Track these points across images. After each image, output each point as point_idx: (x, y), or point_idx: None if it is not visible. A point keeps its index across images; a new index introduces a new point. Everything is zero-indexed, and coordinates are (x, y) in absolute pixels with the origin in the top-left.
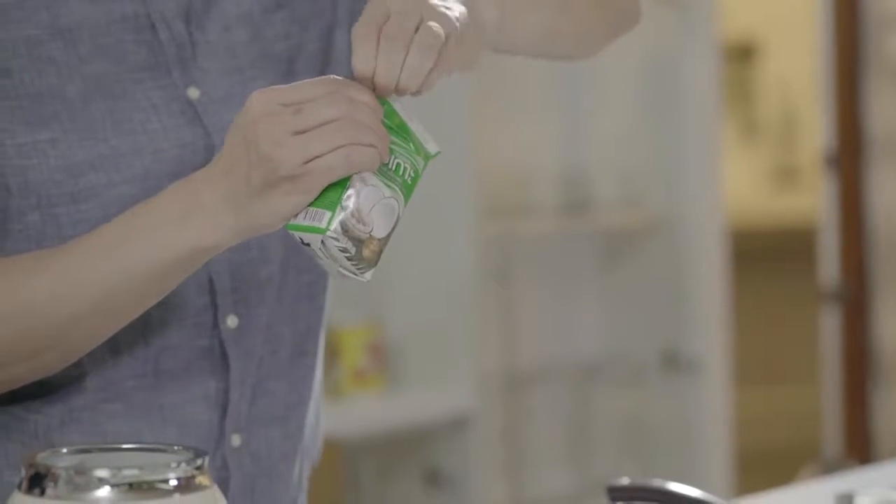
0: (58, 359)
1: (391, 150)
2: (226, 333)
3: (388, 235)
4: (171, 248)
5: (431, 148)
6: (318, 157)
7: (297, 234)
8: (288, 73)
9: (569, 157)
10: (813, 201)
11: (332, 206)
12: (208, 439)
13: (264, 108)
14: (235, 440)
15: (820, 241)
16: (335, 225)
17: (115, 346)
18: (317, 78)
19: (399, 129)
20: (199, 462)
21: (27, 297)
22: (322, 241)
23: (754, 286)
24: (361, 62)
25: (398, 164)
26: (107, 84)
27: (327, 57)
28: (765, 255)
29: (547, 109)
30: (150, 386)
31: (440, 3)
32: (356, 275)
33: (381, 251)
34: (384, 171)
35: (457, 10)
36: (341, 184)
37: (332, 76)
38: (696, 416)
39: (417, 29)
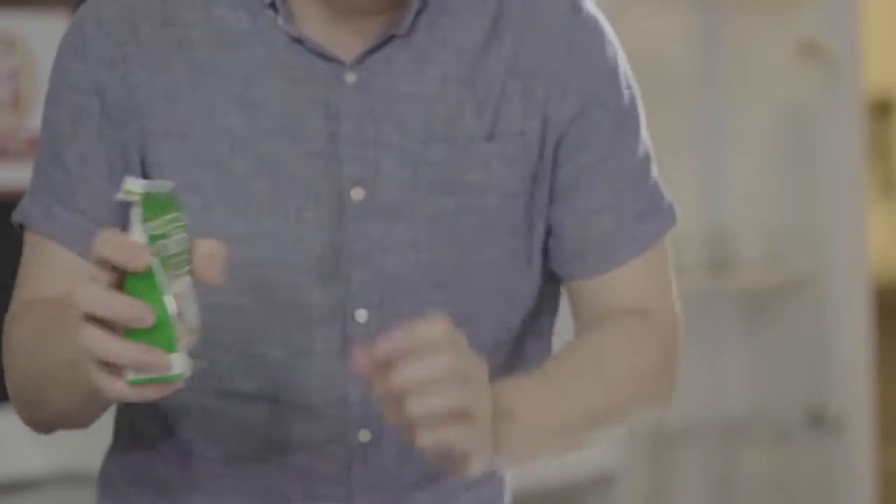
0: (50, 412)
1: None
2: (356, 446)
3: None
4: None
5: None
6: None
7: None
8: (469, 207)
9: (712, 215)
10: None
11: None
12: None
13: None
14: None
15: None
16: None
17: (241, 424)
18: None
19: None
20: None
21: (12, 339)
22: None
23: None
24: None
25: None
26: (275, 163)
27: (528, 202)
28: None
29: (688, 167)
30: (273, 473)
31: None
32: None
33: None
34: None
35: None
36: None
37: None
38: (842, 474)
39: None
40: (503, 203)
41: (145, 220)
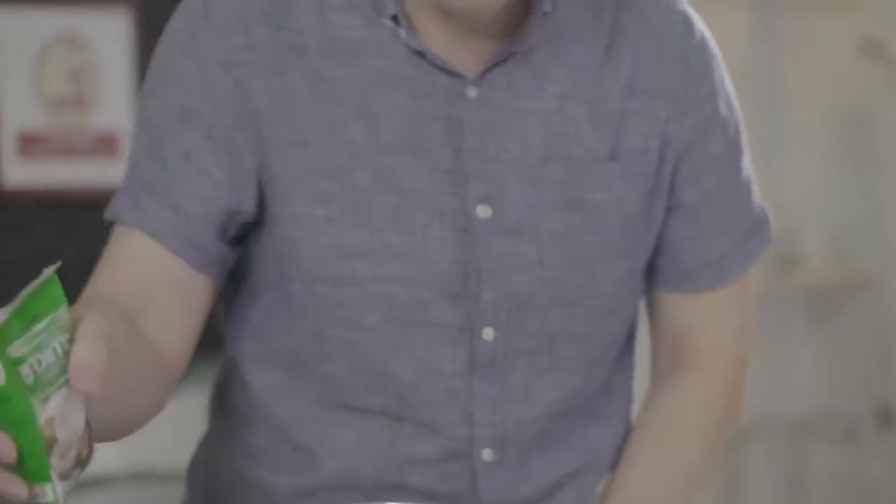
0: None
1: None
2: (479, 465)
3: (76, 417)
4: None
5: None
6: None
7: None
8: (592, 226)
9: (774, 215)
10: None
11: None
12: None
13: None
14: None
15: None
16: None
17: (363, 439)
18: None
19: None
20: None
21: None
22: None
23: None
24: None
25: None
26: (399, 177)
27: (646, 219)
28: None
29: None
30: (394, 490)
31: None
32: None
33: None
34: (35, 416)
35: None
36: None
37: None
38: None
39: None
40: (624, 222)
41: (10, 340)
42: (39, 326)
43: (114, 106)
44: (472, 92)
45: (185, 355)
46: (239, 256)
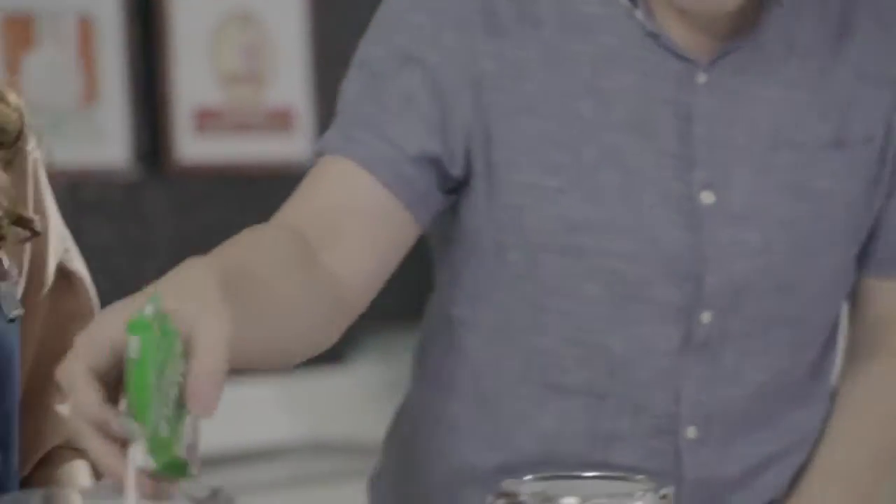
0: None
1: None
2: (683, 443)
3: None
4: None
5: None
6: None
7: None
8: (817, 214)
9: None
10: None
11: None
12: None
13: None
14: None
15: None
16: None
17: (562, 418)
18: None
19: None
20: (664, 492)
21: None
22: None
23: None
24: None
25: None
26: (625, 156)
27: (866, 207)
28: None
29: None
30: (596, 467)
31: None
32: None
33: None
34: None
35: None
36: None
37: None
38: None
39: None
40: (847, 209)
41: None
42: (167, 380)
43: (288, 82)
44: (701, 78)
45: (369, 293)
46: (453, 215)
